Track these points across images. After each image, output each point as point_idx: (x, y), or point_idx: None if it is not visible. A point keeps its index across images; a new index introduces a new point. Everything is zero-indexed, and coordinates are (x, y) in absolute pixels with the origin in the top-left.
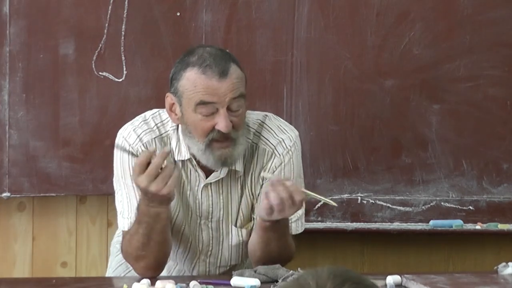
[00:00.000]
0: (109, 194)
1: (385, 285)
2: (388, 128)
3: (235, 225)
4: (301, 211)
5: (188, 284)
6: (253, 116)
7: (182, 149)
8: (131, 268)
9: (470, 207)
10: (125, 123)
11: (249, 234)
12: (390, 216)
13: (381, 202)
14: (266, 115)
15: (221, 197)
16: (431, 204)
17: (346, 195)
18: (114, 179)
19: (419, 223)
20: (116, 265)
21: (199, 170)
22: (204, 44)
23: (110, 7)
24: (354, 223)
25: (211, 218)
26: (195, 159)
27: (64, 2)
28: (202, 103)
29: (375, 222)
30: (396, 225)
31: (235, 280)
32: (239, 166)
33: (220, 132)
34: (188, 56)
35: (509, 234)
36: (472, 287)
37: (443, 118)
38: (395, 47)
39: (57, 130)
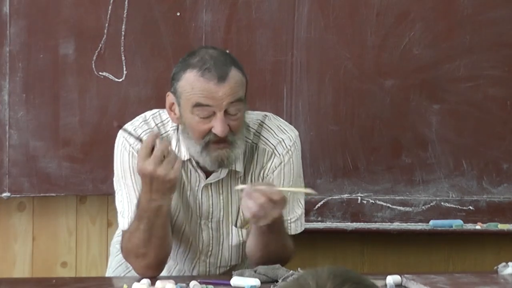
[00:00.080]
0: (109, 194)
1: (385, 285)
2: (388, 128)
3: (235, 225)
4: (300, 211)
5: (188, 284)
6: (253, 116)
7: (182, 149)
8: (131, 268)
9: (470, 207)
10: (125, 123)
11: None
12: (390, 216)
13: (381, 202)
14: (266, 115)
15: (221, 198)
16: (431, 204)
17: (346, 195)
18: (114, 179)
19: (419, 223)
20: (116, 265)
21: (199, 171)
22: (207, 46)
23: (110, 7)
24: (354, 223)
25: (211, 218)
26: (195, 159)
27: (64, 2)
28: (199, 105)
29: (375, 222)
30: (396, 225)
31: (235, 280)
32: (239, 167)
33: (217, 135)
34: (189, 57)
35: (509, 234)
36: (472, 287)
37: (443, 118)
38: (395, 47)
39: (57, 130)
